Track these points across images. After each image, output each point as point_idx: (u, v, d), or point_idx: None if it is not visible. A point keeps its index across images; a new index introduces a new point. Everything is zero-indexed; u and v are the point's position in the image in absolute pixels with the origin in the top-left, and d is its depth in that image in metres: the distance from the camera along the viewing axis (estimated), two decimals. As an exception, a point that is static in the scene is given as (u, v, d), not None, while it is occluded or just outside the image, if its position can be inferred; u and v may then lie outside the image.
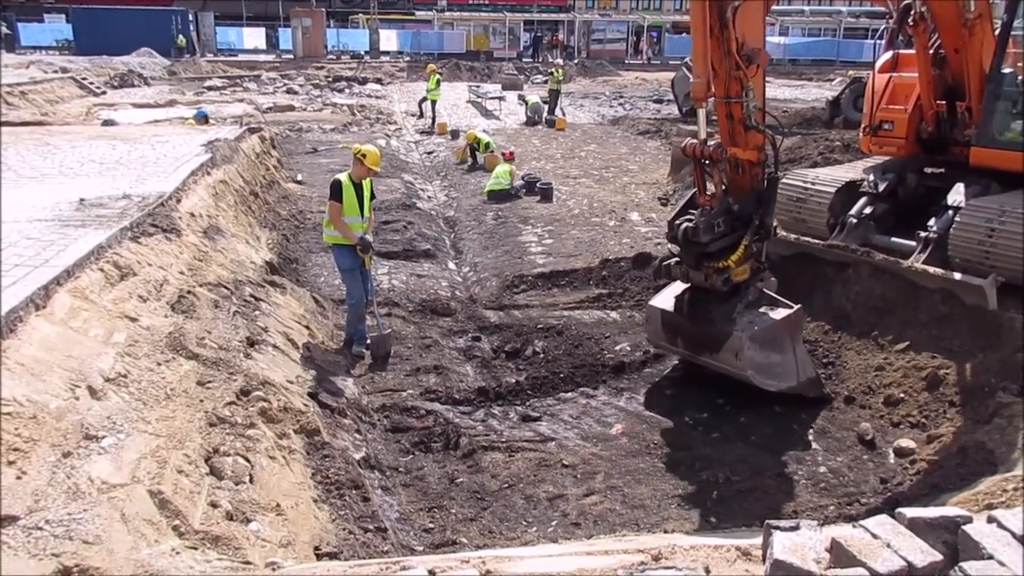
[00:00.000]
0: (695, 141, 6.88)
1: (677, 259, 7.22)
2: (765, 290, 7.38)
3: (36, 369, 4.46)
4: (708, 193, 7.05)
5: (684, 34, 49.86)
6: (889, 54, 9.86)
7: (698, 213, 6.98)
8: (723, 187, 6.98)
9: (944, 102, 8.80)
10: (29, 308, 4.97)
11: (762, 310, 7.25)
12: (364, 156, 7.96)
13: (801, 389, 7.23)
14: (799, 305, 7.27)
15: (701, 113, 6.83)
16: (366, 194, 8.10)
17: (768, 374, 7.06)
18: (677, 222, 7.03)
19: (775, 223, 7.49)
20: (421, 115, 26.65)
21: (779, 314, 7.19)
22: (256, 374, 6.02)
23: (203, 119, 18.68)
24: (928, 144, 9.13)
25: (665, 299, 7.68)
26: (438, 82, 25.35)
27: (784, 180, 9.88)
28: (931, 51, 8.60)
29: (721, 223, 6.83)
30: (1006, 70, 8.25)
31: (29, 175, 9.60)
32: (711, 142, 6.81)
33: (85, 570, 3.26)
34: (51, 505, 3.58)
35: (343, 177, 7.96)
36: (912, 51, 8.87)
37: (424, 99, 26.07)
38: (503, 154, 16.59)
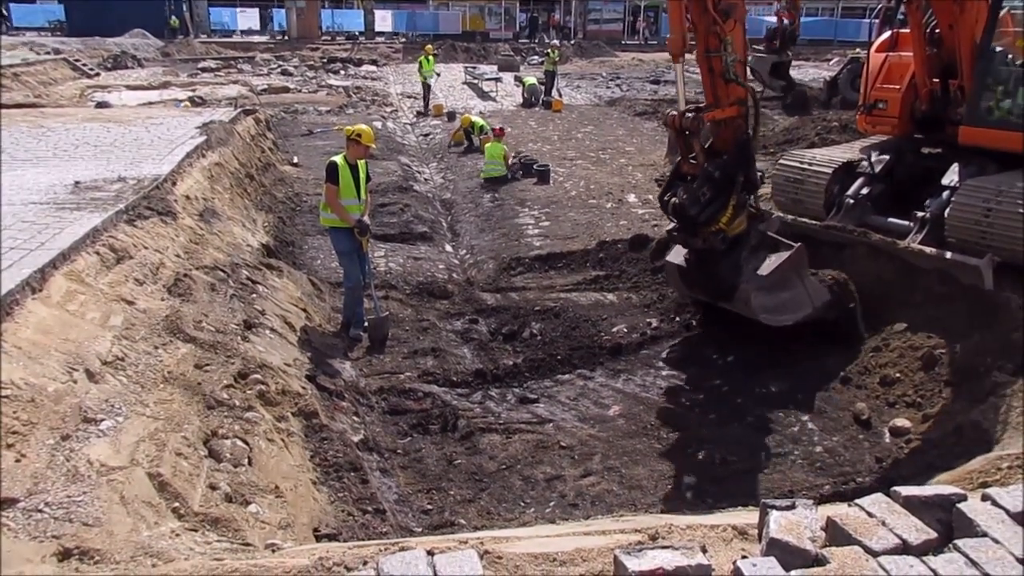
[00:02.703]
0: (675, 112, 6.93)
1: (675, 230, 7.42)
2: (768, 232, 7.51)
3: (34, 352, 4.45)
4: (692, 160, 7.13)
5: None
6: (888, 33, 9.82)
7: (683, 186, 7.08)
8: (701, 155, 7.05)
9: (938, 80, 8.78)
10: (26, 291, 4.96)
11: (766, 255, 7.43)
12: (359, 136, 7.92)
13: (820, 314, 7.43)
14: (799, 244, 7.40)
15: (678, 69, 6.98)
16: (362, 176, 8.07)
17: (781, 312, 7.33)
18: (666, 198, 7.14)
19: (761, 178, 7.62)
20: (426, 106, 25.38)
21: (781, 256, 7.37)
22: (254, 357, 6.03)
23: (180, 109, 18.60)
24: (923, 123, 9.11)
25: (677, 254, 7.88)
26: (429, 61, 25.07)
27: (781, 161, 9.89)
28: (927, 30, 8.58)
29: (706, 191, 6.94)
30: (997, 48, 8.22)
31: (23, 158, 9.55)
32: (689, 113, 6.87)
33: (85, 552, 3.27)
34: (51, 488, 3.59)
35: (339, 159, 7.92)
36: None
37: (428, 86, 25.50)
38: (493, 131, 16.48)
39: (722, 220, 7.00)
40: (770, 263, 7.33)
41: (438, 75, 26.55)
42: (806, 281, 7.47)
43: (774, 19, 25.75)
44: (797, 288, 7.40)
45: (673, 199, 6.99)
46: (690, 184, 6.96)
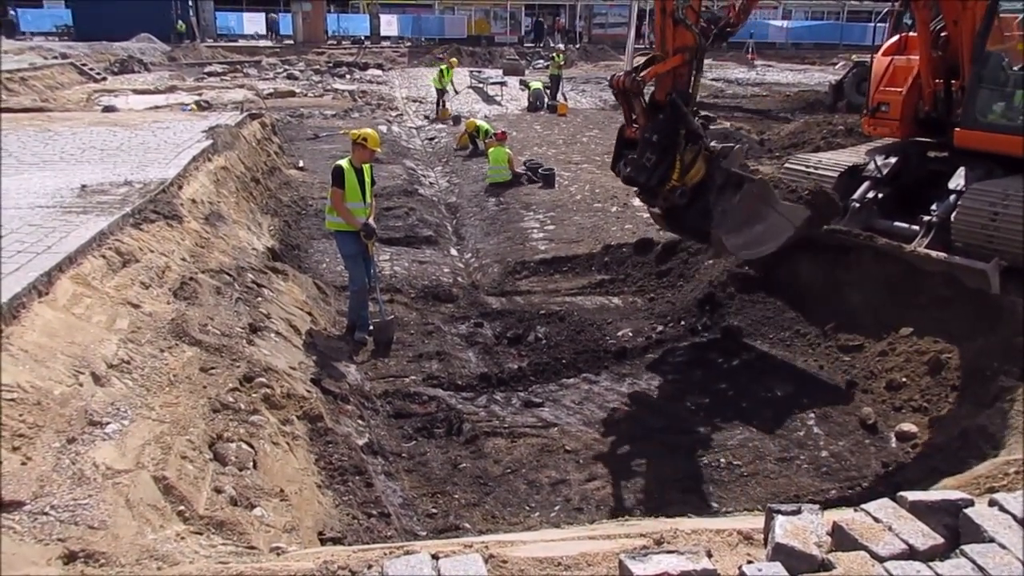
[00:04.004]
0: (620, 74, 7.05)
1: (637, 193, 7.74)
2: (732, 169, 7.48)
3: (39, 355, 4.46)
4: (635, 123, 7.25)
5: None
6: (895, 38, 9.81)
7: (628, 156, 7.27)
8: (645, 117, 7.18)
9: (941, 82, 8.77)
10: (32, 294, 4.97)
11: (733, 193, 7.41)
12: (365, 139, 7.94)
13: (804, 231, 7.46)
14: (759, 176, 7.47)
15: (629, 41, 7.13)
16: (367, 180, 8.08)
17: (759, 244, 7.38)
18: (616, 170, 7.35)
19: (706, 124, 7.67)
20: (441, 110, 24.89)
21: (744, 192, 7.36)
22: (259, 360, 6.03)
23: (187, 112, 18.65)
24: (926, 126, 9.10)
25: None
26: (447, 72, 25.01)
27: (787, 164, 9.89)
28: (934, 31, 8.58)
29: (650, 155, 7.02)
30: (993, 51, 8.22)
31: (30, 161, 9.58)
32: (623, 75, 7.01)
33: (91, 555, 3.27)
34: (56, 491, 3.60)
35: (344, 163, 7.94)
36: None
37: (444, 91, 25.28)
38: (495, 135, 16.49)
39: (674, 177, 7.10)
40: (734, 202, 7.30)
41: (456, 92, 26.45)
42: (778, 207, 7.44)
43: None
44: (771, 217, 7.37)
45: (624, 170, 7.20)
46: (634, 151, 7.10)
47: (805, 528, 2.66)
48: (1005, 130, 7.90)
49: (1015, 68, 8.07)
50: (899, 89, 9.12)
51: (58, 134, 11.86)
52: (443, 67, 25.15)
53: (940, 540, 2.62)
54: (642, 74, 6.94)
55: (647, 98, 7.17)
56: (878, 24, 28.18)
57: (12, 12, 42.02)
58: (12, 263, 5.38)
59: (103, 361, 4.81)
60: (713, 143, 7.52)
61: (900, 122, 9.13)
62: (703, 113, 7.71)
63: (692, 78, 7.16)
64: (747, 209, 7.29)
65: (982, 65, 8.16)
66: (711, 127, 7.94)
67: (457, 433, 6.66)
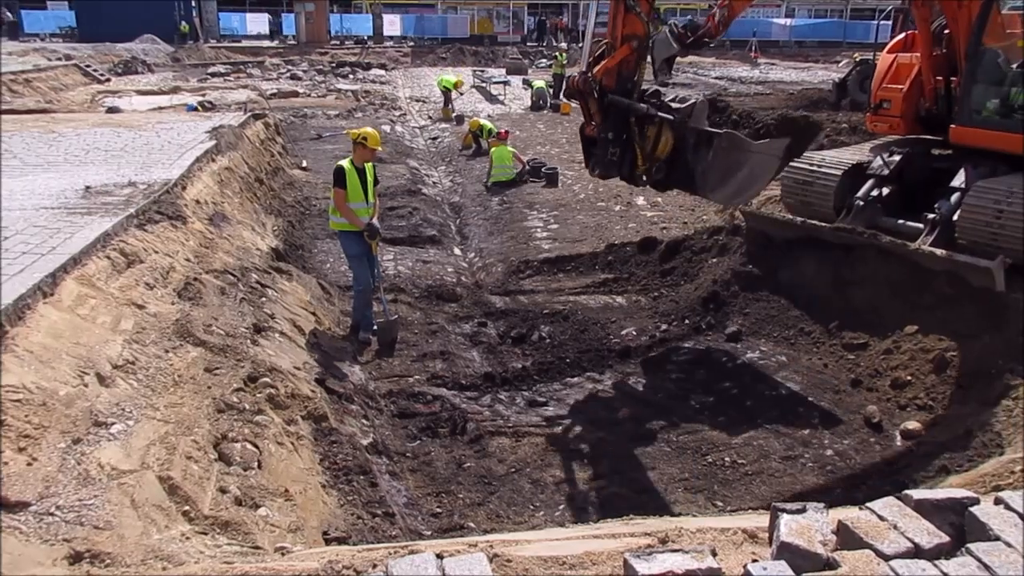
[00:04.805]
0: (576, 75, 7.34)
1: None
2: (700, 128, 7.66)
3: (45, 356, 4.48)
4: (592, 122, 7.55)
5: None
6: (903, 35, 9.81)
7: (593, 156, 7.68)
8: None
9: (941, 79, 8.77)
10: (37, 296, 4.99)
11: (706, 151, 7.61)
12: (365, 139, 7.93)
13: (790, 156, 7.68)
14: (724, 131, 7.61)
15: (587, 39, 7.34)
16: (369, 179, 8.08)
17: (748, 187, 7.59)
18: (589, 168, 7.81)
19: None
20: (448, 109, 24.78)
21: (715, 148, 7.55)
22: (263, 361, 6.04)
23: (194, 111, 18.65)
24: (927, 122, 9.09)
25: None
26: (451, 81, 24.95)
27: (790, 163, 9.86)
28: (935, 27, 8.58)
29: (612, 150, 7.37)
30: (998, 47, 8.22)
31: (35, 163, 9.60)
32: (577, 76, 7.27)
33: (96, 555, 3.28)
34: (62, 491, 3.61)
35: (346, 163, 7.94)
36: None
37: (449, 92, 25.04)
38: (498, 134, 16.47)
39: (640, 165, 7.46)
40: (710, 159, 7.52)
41: (461, 94, 26.52)
42: (753, 148, 7.57)
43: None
44: (750, 160, 7.48)
45: (595, 170, 7.68)
46: (597, 148, 7.48)
47: (810, 527, 2.66)
48: (999, 127, 7.93)
49: (1012, 66, 8.07)
50: (900, 86, 9.12)
51: (62, 135, 11.89)
52: (451, 80, 24.92)
53: (946, 539, 2.61)
54: (593, 71, 7.19)
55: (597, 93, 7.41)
56: (881, 22, 28.10)
57: (7, 13, 42.01)
58: (17, 264, 5.40)
59: (108, 362, 4.82)
60: (675, 103, 7.74)
61: (900, 119, 9.13)
62: (651, 89, 7.94)
63: (637, 66, 7.40)
64: (723, 162, 7.48)
65: (976, 62, 8.17)
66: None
67: (461, 432, 6.66)
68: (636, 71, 7.38)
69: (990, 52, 8.16)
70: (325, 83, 31.58)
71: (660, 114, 7.47)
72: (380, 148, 8.32)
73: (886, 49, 9.78)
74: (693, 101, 7.76)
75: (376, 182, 8.29)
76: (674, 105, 7.66)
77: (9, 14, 41.04)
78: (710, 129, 7.68)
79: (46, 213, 7.01)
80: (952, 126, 8.33)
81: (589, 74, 7.16)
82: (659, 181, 7.81)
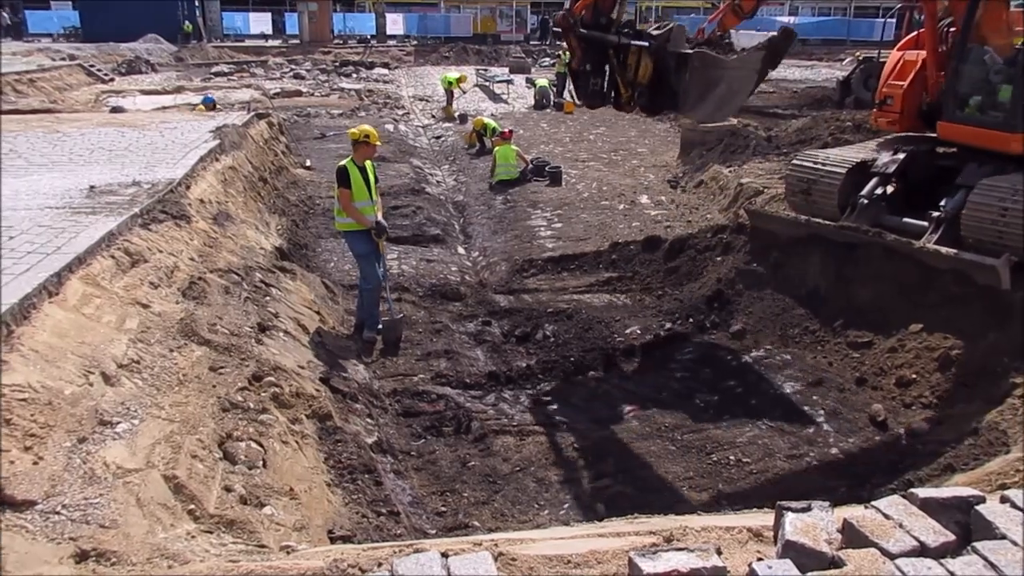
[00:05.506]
0: (559, 14, 7.91)
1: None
2: (678, 51, 7.80)
3: (50, 356, 4.49)
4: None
5: (693, 14, 49.47)
6: (915, 33, 9.81)
7: (578, 88, 8.29)
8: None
9: (944, 74, 8.76)
10: (42, 295, 5.00)
11: (683, 73, 7.78)
12: (368, 137, 7.93)
13: (769, 65, 7.77)
14: (695, 50, 7.77)
15: None
16: (371, 177, 8.07)
17: (729, 102, 7.95)
18: (581, 100, 8.47)
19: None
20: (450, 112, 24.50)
21: (689, 68, 7.69)
22: (268, 359, 6.05)
23: (211, 105, 18.64)
24: (930, 118, 9.07)
25: None
26: (453, 80, 24.92)
27: (794, 161, 9.86)
28: (942, 25, 8.60)
29: (594, 81, 7.93)
30: (973, 46, 8.26)
31: (40, 163, 9.63)
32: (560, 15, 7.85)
33: (102, 554, 3.29)
34: (68, 490, 3.62)
35: (348, 163, 7.92)
36: None
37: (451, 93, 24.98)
38: (501, 134, 16.44)
39: (623, 93, 7.88)
40: (685, 83, 7.70)
41: (464, 91, 26.55)
42: (729, 64, 7.79)
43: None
44: (726, 76, 7.70)
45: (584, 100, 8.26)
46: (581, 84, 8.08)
47: (815, 525, 2.66)
48: (979, 123, 8.04)
49: (999, 61, 8.10)
50: (903, 83, 9.11)
51: (67, 135, 11.92)
52: (453, 77, 24.93)
53: (951, 537, 2.61)
54: (574, 7, 7.66)
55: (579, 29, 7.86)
56: (889, 19, 28.00)
57: (7, 14, 42.08)
58: (23, 263, 5.42)
59: (113, 361, 4.83)
60: (652, 29, 8.04)
61: (901, 115, 9.12)
62: (626, 19, 8.41)
63: (615, 3, 7.82)
64: (699, 81, 7.66)
65: (961, 59, 8.20)
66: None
67: (466, 431, 6.67)
68: (614, 7, 7.82)
69: (976, 50, 8.20)
70: (328, 82, 31.60)
71: (633, 42, 7.84)
72: (379, 143, 8.42)
73: (897, 47, 9.78)
74: (670, 26, 8.02)
75: (376, 180, 8.28)
76: (652, 32, 7.96)
77: (8, 15, 41.10)
78: (684, 51, 7.91)
79: (51, 213, 7.03)
80: (939, 122, 8.38)
81: (569, 10, 7.67)
82: (645, 106, 8.23)
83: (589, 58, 7.94)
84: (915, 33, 9.84)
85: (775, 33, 7.94)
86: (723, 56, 8.01)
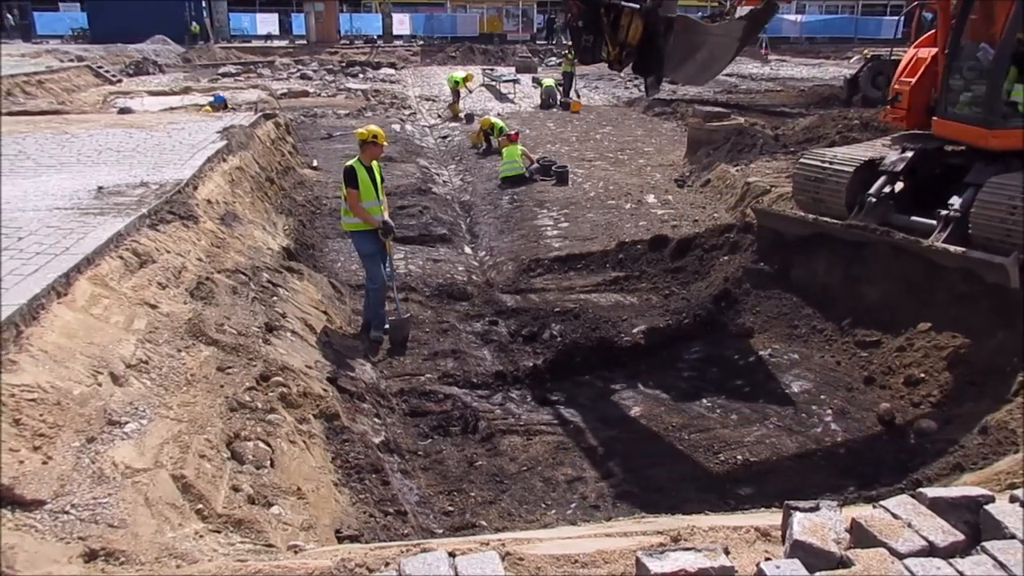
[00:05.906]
0: None
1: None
2: (667, 16, 8.14)
3: (59, 356, 4.51)
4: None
5: (699, 12, 49.32)
6: (931, 31, 9.80)
7: (571, 46, 9.06)
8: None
9: None
10: (51, 296, 5.02)
11: (669, 38, 8.15)
12: (375, 137, 7.93)
13: (747, 39, 7.81)
14: (679, 15, 8.10)
15: None
16: (378, 177, 8.09)
17: (712, 65, 8.11)
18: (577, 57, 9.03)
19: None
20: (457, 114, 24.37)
21: (673, 32, 8.07)
22: (275, 359, 6.06)
23: (221, 104, 18.68)
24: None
25: None
26: (460, 79, 24.91)
27: (802, 159, 9.84)
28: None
29: (586, 38, 8.40)
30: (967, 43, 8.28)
31: (48, 164, 9.67)
32: None
33: (111, 553, 3.30)
34: (77, 489, 3.63)
35: (354, 163, 7.93)
36: None
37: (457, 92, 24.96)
38: (508, 135, 16.44)
39: (611, 51, 8.30)
40: (669, 46, 8.08)
41: (471, 91, 26.58)
42: (711, 30, 8.07)
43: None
44: (709, 41, 7.94)
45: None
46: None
47: (823, 525, 2.65)
48: (969, 120, 8.09)
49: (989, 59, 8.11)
50: (912, 80, 9.09)
51: (75, 136, 11.96)
52: (459, 76, 24.90)
53: (960, 537, 2.60)
54: None
55: None
56: (893, 17, 27.89)
57: (8, 15, 42.27)
58: (31, 264, 5.44)
59: (121, 361, 4.85)
60: None
61: (908, 111, 9.10)
62: None
63: None
64: (682, 44, 8.01)
65: (955, 56, 8.19)
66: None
67: (473, 431, 6.67)
68: None
69: (969, 47, 8.19)
70: (335, 82, 31.66)
71: (624, 4, 8.18)
72: (386, 143, 8.46)
73: (914, 44, 9.76)
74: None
75: (382, 179, 8.29)
76: None
77: (14, 17, 41.28)
78: (670, 16, 8.22)
79: (59, 213, 7.06)
80: (935, 119, 8.42)
81: None
82: (635, 66, 8.66)
83: (582, 15, 8.40)
84: (932, 31, 9.83)
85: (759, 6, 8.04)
86: (706, 23, 8.30)
